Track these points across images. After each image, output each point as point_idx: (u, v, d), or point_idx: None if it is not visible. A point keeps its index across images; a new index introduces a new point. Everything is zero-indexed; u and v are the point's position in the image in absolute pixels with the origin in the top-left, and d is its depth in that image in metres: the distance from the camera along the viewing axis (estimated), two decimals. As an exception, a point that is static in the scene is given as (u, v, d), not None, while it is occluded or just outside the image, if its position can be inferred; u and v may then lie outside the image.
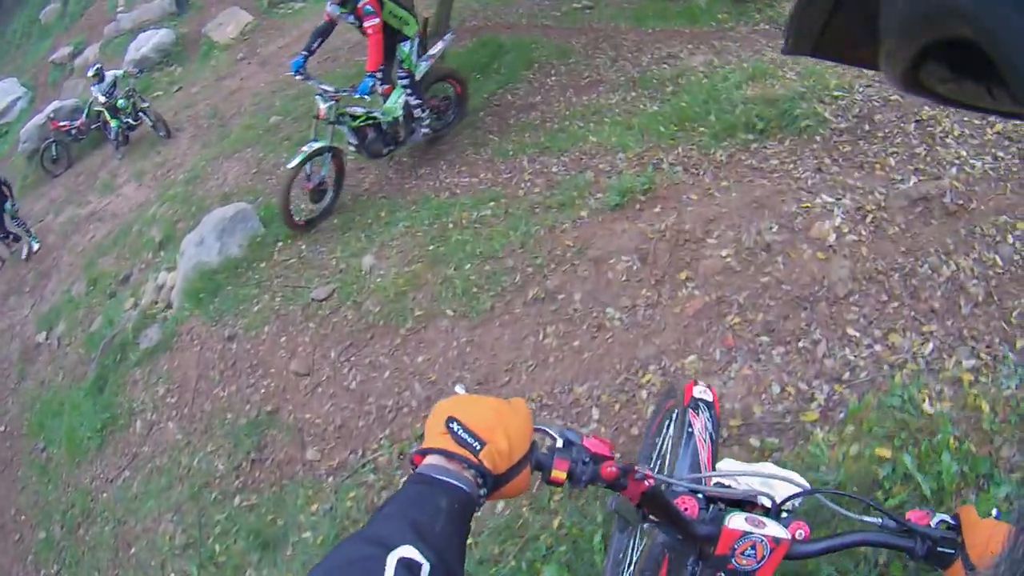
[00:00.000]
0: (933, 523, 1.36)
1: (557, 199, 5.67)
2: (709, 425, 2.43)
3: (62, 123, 14.27)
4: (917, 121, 5.06)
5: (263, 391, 5.50)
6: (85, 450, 6.58)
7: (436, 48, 7.18)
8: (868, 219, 4.33)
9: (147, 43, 16.82)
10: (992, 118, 4.68)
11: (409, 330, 5.14)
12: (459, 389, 1.25)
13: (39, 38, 24.28)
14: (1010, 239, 4.04)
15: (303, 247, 6.82)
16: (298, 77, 6.76)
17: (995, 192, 4.37)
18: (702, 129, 5.76)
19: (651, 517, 1.40)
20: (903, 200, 4.41)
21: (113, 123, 12.81)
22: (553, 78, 7.88)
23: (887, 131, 5.07)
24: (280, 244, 7.01)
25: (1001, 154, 4.68)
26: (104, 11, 20.92)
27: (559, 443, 1.23)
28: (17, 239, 11.69)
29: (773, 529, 1.37)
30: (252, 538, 4.71)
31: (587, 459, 1.21)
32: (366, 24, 6.39)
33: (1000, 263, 3.91)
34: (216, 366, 6.03)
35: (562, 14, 9.92)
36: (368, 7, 6.33)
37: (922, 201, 4.38)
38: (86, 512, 6.17)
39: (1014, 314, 3.62)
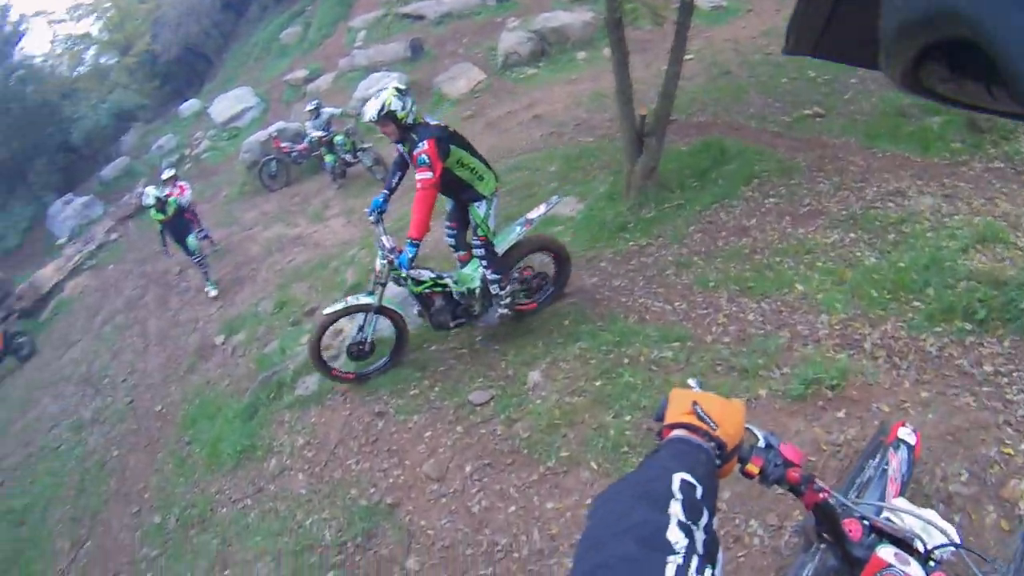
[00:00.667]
0: None
1: (742, 362, 5.25)
2: (904, 466, 2.55)
3: (284, 144, 15.32)
4: None
5: (391, 481, 5.51)
6: (221, 463, 6.90)
7: (534, 213, 6.46)
8: None
9: (377, 84, 17.08)
10: None
11: (549, 469, 4.96)
12: (692, 382, 1.54)
13: (277, 56, 26.56)
14: None
15: (477, 339, 6.78)
16: (370, 219, 6.29)
17: None
18: (917, 304, 5.28)
19: (825, 536, 1.62)
20: None
21: (328, 158, 13.56)
22: (772, 200, 7.48)
23: None
24: (455, 330, 6.87)
25: None
26: (342, 44, 22.48)
27: (760, 443, 1.54)
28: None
29: (916, 571, 1.50)
30: None
31: (779, 462, 1.52)
32: (417, 177, 5.55)
33: None
34: (358, 438, 6.12)
35: (792, 120, 9.54)
36: (424, 156, 5.50)
37: None
38: (202, 518, 6.46)
39: None
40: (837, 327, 5.35)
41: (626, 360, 5.68)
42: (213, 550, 5.99)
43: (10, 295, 18.77)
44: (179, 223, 11.02)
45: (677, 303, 6.36)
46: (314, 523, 5.58)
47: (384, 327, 6.61)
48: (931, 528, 1.70)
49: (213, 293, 11.32)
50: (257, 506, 6.17)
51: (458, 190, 5.99)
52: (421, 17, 20.90)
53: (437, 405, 6.05)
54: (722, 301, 6.13)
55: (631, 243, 7.58)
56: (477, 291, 6.36)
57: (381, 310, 6.30)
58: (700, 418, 1.35)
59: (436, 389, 6.25)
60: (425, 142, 5.50)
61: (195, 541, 6.28)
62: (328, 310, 6.27)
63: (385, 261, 5.99)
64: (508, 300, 6.33)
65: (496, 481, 5.09)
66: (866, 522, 1.71)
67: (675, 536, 0.97)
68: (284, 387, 7.31)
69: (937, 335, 4.92)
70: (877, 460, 2.72)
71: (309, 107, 13.88)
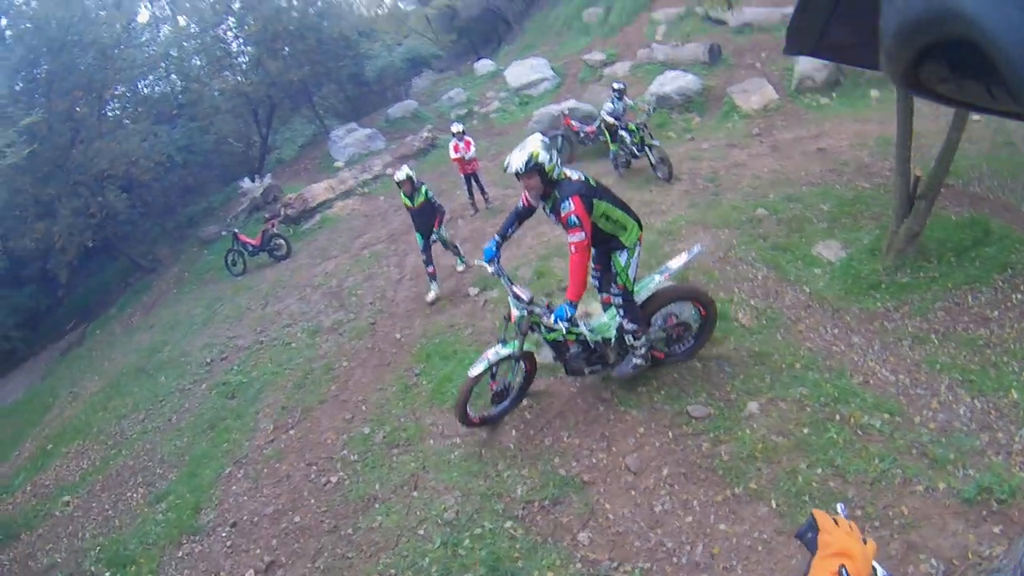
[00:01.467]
0: None
1: (936, 451, 5.30)
2: None
3: (574, 123, 15.78)
4: None
5: (593, 461, 6.05)
6: (443, 400, 7.67)
7: (678, 262, 6.39)
8: None
9: (673, 83, 17.65)
10: None
11: (734, 496, 5.28)
12: (840, 508, 1.75)
13: (578, 34, 27.16)
14: None
15: (714, 357, 6.98)
16: (490, 269, 6.23)
17: None
18: None
19: None
20: None
21: (612, 147, 13.91)
22: (1020, 295, 7.18)
23: None
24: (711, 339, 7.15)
25: None
26: (643, 34, 22.71)
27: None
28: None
29: None
30: (486, 567, 5.39)
31: None
32: (569, 239, 5.53)
33: None
34: (577, 415, 6.65)
35: None
36: (573, 217, 5.47)
37: None
38: (409, 442, 7.26)
39: None
40: None
41: (837, 417, 5.86)
42: (409, 471, 6.79)
43: (278, 200, 20.87)
44: (426, 214, 10.85)
45: (901, 376, 6.40)
46: (511, 476, 6.24)
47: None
48: None
49: (460, 268, 11.64)
50: (464, 447, 6.88)
51: (600, 241, 5.93)
52: (723, 22, 20.64)
53: (657, 407, 6.44)
54: (942, 387, 6.13)
55: (879, 304, 7.56)
56: (612, 340, 6.42)
57: (522, 356, 6.43)
58: None
59: (661, 393, 6.60)
60: (570, 201, 5.49)
61: (395, 459, 7.07)
62: (473, 372, 6.32)
63: (523, 313, 6.08)
64: (644, 351, 6.36)
65: (685, 491, 5.49)
66: None
67: None
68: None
69: None
70: None
71: (616, 86, 14.02)
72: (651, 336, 6.50)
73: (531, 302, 6.06)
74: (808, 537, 1.74)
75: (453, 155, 13.87)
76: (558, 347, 6.29)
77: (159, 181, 23.01)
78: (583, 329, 6.25)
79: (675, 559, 4.97)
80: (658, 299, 6.35)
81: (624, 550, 5.18)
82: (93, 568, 7.68)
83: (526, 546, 5.48)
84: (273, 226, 17.54)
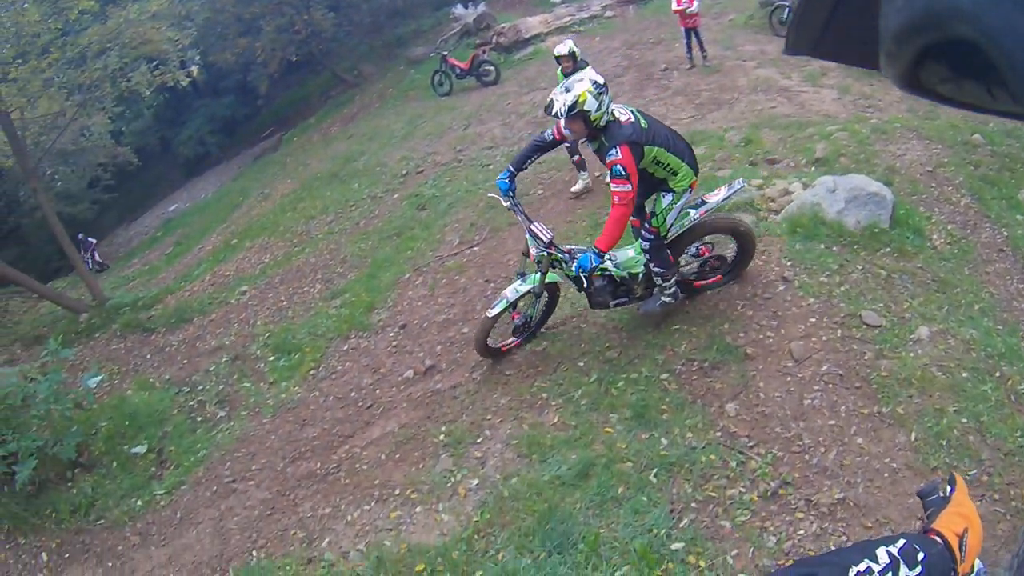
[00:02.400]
0: None
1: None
2: None
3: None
4: None
5: (759, 337, 6.13)
6: None
7: (715, 196, 6.06)
8: None
9: None
10: None
11: (879, 414, 5.32)
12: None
13: None
14: None
15: (899, 271, 6.83)
16: (505, 203, 6.02)
17: None
18: None
19: None
20: None
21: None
22: None
23: None
24: (887, 250, 7.06)
25: None
26: None
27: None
28: None
29: None
30: (632, 412, 5.74)
31: None
32: (613, 188, 5.33)
33: None
34: (756, 291, 6.63)
35: None
36: (619, 167, 5.23)
37: None
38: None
39: None
40: None
41: (998, 373, 5.61)
42: (582, 304, 6.86)
43: (491, 28, 21.07)
44: None
45: None
46: (679, 332, 6.45)
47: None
48: None
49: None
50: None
51: (648, 186, 5.68)
52: None
53: (834, 304, 6.39)
54: None
55: None
56: (640, 275, 6.20)
57: (543, 291, 6.30)
58: (960, 548, 1.59)
59: (842, 289, 6.54)
60: (618, 149, 5.24)
61: (571, 292, 7.05)
62: (491, 312, 6.28)
63: (543, 252, 5.91)
64: (673, 289, 6.17)
65: (836, 393, 5.56)
66: None
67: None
68: None
69: None
70: None
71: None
72: (683, 269, 6.37)
73: (551, 243, 5.88)
74: (931, 499, 1.82)
75: (675, 7, 13.62)
76: (582, 281, 5.93)
77: (368, 2, 23.49)
78: (608, 264, 6.08)
79: (807, 456, 5.07)
80: (693, 234, 6.13)
81: (764, 431, 5.35)
82: (259, 352, 8.61)
83: (676, 401, 5.75)
84: (484, 52, 17.98)
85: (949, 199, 8.22)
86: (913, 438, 5.06)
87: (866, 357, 5.79)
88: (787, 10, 14.88)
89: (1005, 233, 7.66)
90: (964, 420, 5.15)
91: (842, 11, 0.70)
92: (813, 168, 8.83)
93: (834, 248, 7.04)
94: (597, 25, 19.78)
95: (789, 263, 6.90)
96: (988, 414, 5.21)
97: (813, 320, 6.22)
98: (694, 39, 13.86)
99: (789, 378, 5.71)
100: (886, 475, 4.82)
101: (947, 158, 9.09)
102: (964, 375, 5.57)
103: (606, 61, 15.90)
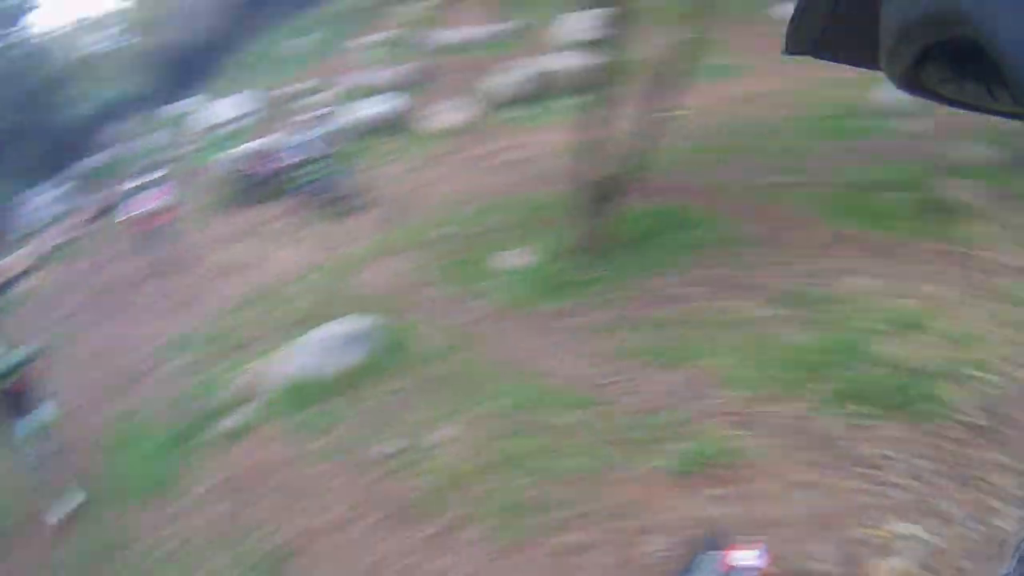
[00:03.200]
0: None
1: (639, 434, 5.42)
2: None
3: (262, 162, 15.31)
4: None
5: (297, 526, 5.65)
6: (137, 495, 6.98)
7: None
8: (943, 565, 3.80)
9: (375, 107, 17.48)
10: None
11: (443, 528, 5.13)
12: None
13: (285, 65, 26.35)
14: None
15: (399, 387, 6.88)
16: None
17: None
18: (823, 386, 5.34)
19: None
20: (994, 547, 3.70)
21: (304, 180, 13.54)
22: (705, 269, 7.56)
23: (1015, 436, 4.47)
24: (381, 375, 7.09)
25: None
26: (350, 61, 22.33)
27: None
28: None
29: None
30: None
31: None
32: None
33: None
34: (272, 479, 6.25)
35: (760, 187, 9.44)
36: None
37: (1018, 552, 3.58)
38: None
39: None
40: (736, 403, 5.53)
41: (536, 421, 5.89)
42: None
43: None
44: None
45: (595, 369, 6.52)
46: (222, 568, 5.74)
47: None
48: None
49: None
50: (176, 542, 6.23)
51: None
52: (423, 45, 20.96)
53: (349, 453, 6.22)
54: (635, 370, 6.31)
55: (565, 304, 7.74)
56: None
57: None
58: None
59: (351, 437, 6.42)
60: None
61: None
62: None
63: None
64: None
65: (393, 534, 5.27)
66: None
67: None
68: (207, 422, 7.46)
69: (837, 418, 5.05)
70: None
71: (314, 114, 14.04)
72: None
73: None
74: None
75: (137, 211, 13.13)
76: None
77: None
78: None
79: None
80: None
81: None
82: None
83: None
84: None
85: (434, 296, 8.63)
86: (490, 526, 4.97)
87: (403, 486, 5.65)
88: (250, 178, 15.25)
89: (498, 299, 8.13)
90: (527, 480, 5.23)
91: (842, 11, 0.66)
92: (293, 331, 8.65)
93: (329, 403, 6.91)
94: (73, 249, 18.51)
95: (293, 440, 6.64)
96: (545, 460, 5.34)
97: (337, 481, 5.96)
98: (164, 239, 13.31)
99: (341, 549, 5.33)
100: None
101: (426, 259, 9.60)
102: (506, 443, 5.68)
103: (79, 286, 14.96)
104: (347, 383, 7.09)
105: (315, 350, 7.37)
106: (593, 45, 8.08)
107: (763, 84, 14.43)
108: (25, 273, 17.79)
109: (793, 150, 10.61)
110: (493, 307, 8.08)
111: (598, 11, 7.92)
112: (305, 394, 7.07)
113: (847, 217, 8.14)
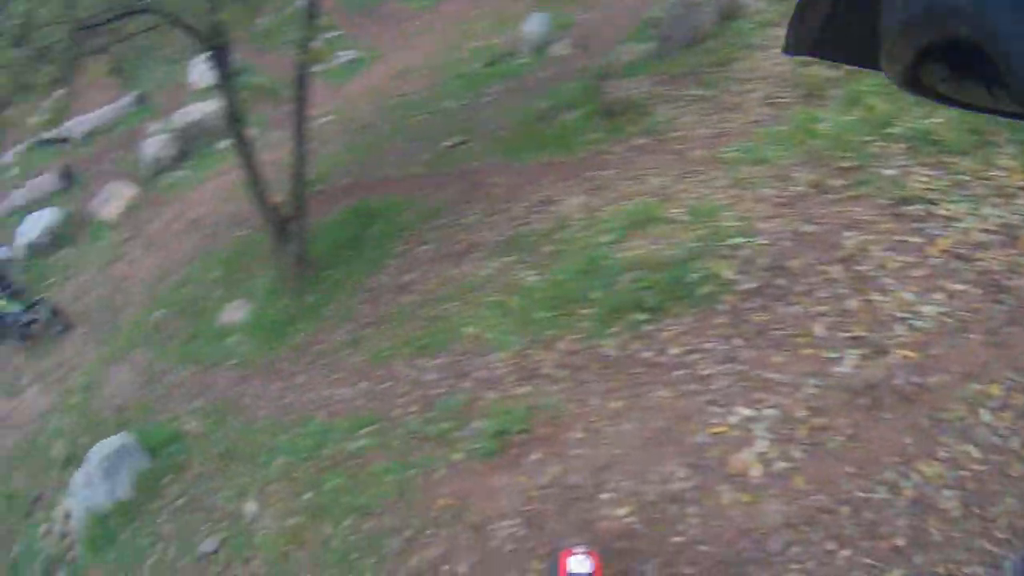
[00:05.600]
0: None
1: (433, 429, 5.33)
2: None
3: None
4: (842, 260, 4.46)
5: None
6: None
7: None
8: (801, 432, 3.70)
9: (36, 225, 15.79)
10: (930, 227, 4.37)
11: None
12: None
13: None
14: (985, 415, 3.40)
15: (191, 483, 6.73)
16: None
17: (957, 348, 3.71)
18: (585, 311, 5.28)
19: None
20: (843, 394, 3.70)
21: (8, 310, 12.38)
22: (424, 247, 7.57)
23: (807, 281, 4.46)
24: (168, 478, 6.91)
25: (955, 286, 3.99)
26: None
27: None
28: None
29: None
30: None
31: None
32: None
33: (976, 454, 3.28)
34: None
35: (433, 157, 9.63)
36: None
37: (868, 390, 3.65)
38: None
39: (999, 523, 3.05)
40: (513, 362, 5.44)
41: (327, 463, 5.80)
42: None
43: None
44: None
45: (360, 384, 6.45)
46: None
47: None
48: None
49: None
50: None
51: None
52: (66, 140, 18.86)
53: (177, 567, 6.07)
54: (400, 368, 6.23)
55: (303, 334, 7.69)
56: None
57: None
58: None
59: (171, 550, 6.25)
60: None
61: None
62: None
63: None
64: None
65: None
66: None
67: None
68: None
69: (614, 336, 4.97)
70: None
71: None
72: None
73: None
74: None
75: None
76: None
77: None
78: None
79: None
80: None
81: None
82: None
83: None
84: None
85: (176, 384, 8.51)
86: None
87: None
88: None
89: (235, 360, 8.12)
90: (348, 522, 5.12)
91: (842, 11, 0.68)
92: (68, 471, 8.17)
93: (134, 526, 6.74)
94: None
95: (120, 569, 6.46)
96: (354, 496, 5.28)
97: None
98: None
99: None
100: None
101: (151, 355, 9.35)
102: (309, 496, 5.62)
103: None
104: (139, 500, 6.88)
105: (95, 480, 7.11)
106: (219, 86, 7.90)
107: (397, 65, 14.60)
108: None
109: (450, 112, 10.86)
110: (236, 371, 7.95)
111: (208, 53, 7.67)
112: (107, 529, 6.81)
113: (531, 153, 8.29)
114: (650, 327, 4.85)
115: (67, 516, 7.62)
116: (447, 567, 4.38)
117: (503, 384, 5.29)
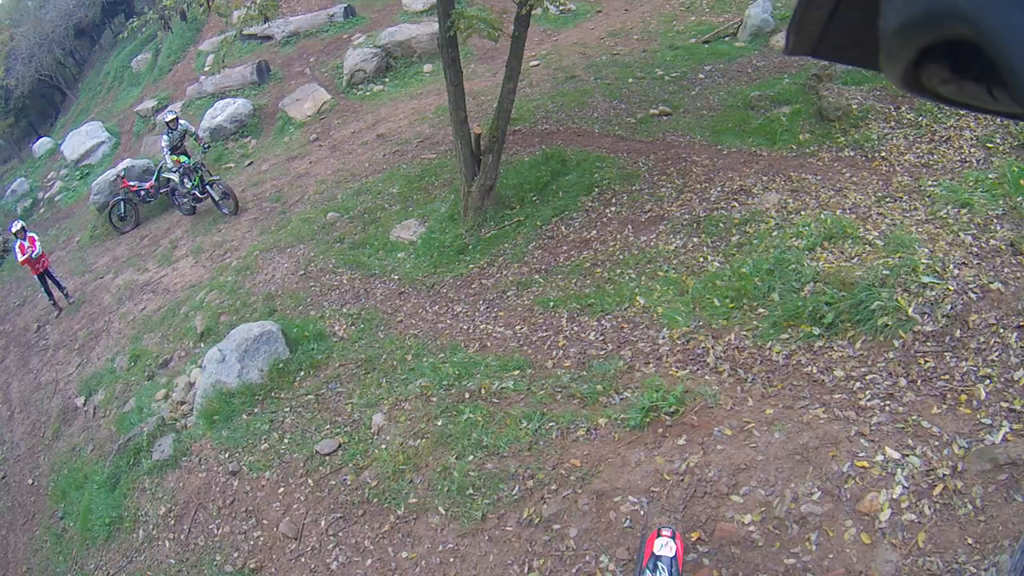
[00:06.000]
0: None
1: (582, 388, 5.12)
2: None
3: (132, 183, 14.36)
4: (1020, 328, 4.19)
5: (252, 543, 5.39)
6: (95, 537, 6.60)
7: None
8: (936, 490, 3.51)
9: (224, 111, 16.54)
10: None
11: (400, 518, 4.86)
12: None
13: (129, 85, 24.74)
14: None
15: (323, 383, 6.53)
16: None
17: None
18: (762, 311, 5.10)
19: None
20: (986, 463, 3.50)
21: (176, 193, 12.97)
22: (613, 208, 7.31)
23: (982, 340, 4.22)
24: (302, 373, 6.75)
25: None
26: (191, 70, 21.15)
27: None
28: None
29: None
30: None
31: None
32: None
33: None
34: (216, 500, 5.94)
35: (637, 121, 9.38)
36: None
37: (1009, 467, 3.44)
38: None
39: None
40: (679, 342, 5.25)
41: (467, 395, 5.57)
42: None
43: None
44: None
45: (518, 327, 6.26)
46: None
47: None
48: None
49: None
50: (134, 586, 5.91)
51: None
52: (268, 38, 19.69)
53: (287, 459, 5.89)
54: (563, 321, 6.05)
55: (472, 266, 7.48)
56: None
57: None
58: None
59: (285, 441, 6.08)
60: None
61: None
62: None
63: None
64: None
65: (351, 534, 5.02)
66: None
67: None
68: (141, 452, 7.02)
69: (784, 343, 4.80)
70: None
71: (167, 117, 12.95)
72: None
73: None
74: None
75: (20, 257, 12.08)
76: None
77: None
78: None
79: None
80: None
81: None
82: None
83: None
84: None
85: (332, 285, 8.25)
86: (443, 511, 4.70)
87: (349, 482, 5.34)
88: (123, 203, 14.37)
89: (396, 277, 7.84)
90: (471, 458, 4.93)
91: (842, 11, 0.65)
92: (203, 345, 8.31)
93: (256, 410, 6.57)
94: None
95: (227, 455, 6.28)
96: (485, 434, 5.04)
97: (282, 490, 5.64)
98: (50, 282, 12.52)
99: (302, 558, 5.05)
100: (451, 560, 4.48)
101: (313, 251, 9.18)
102: (439, 423, 5.39)
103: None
104: (268, 386, 6.77)
105: (231, 357, 6.97)
106: (439, 8, 7.54)
107: (613, 24, 14.28)
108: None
109: (659, 81, 10.50)
110: (398, 284, 7.77)
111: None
112: (229, 404, 6.70)
113: (737, 138, 8.02)
114: (821, 343, 4.67)
115: (190, 386, 7.59)
116: (558, 526, 4.24)
117: (663, 362, 5.14)
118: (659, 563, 2.58)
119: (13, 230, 12.22)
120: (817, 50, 0.70)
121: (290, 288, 8.60)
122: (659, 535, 2.72)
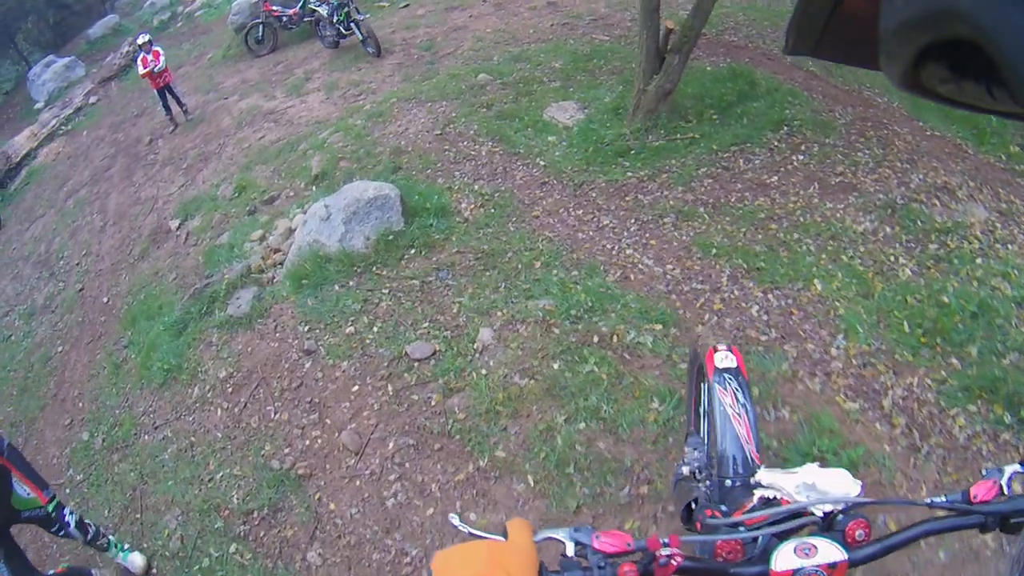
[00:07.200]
0: (1004, 481, 1.25)
1: None
2: (740, 394, 2.27)
3: (275, 7, 13.71)
4: None
5: (307, 443, 4.57)
6: (151, 378, 5.98)
7: None
8: None
9: None
10: None
11: (479, 470, 3.95)
12: (453, 519, 1.34)
13: None
14: None
15: (435, 268, 5.61)
16: None
17: None
18: (955, 362, 3.97)
19: None
20: None
21: (321, 24, 12.24)
22: (801, 156, 6.13)
23: None
24: (412, 252, 5.84)
25: None
26: None
27: (569, 549, 1.23)
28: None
29: (826, 552, 1.22)
30: None
31: (603, 563, 1.18)
32: None
33: None
34: (282, 379, 5.15)
35: (835, 66, 7.94)
36: None
37: None
38: (125, 442, 5.61)
39: None
40: (855, 361, 4.13)
41: (595, 338, 4.53)
42: (130, 485, 5.17)
43: None
44: None
45: (669, 265, 5.15)
46: (224, 478, 4.72)
47: None
48: (819, 479, 1.39)
49: None
50: (175, 440, 5.28)
51: None
52: None
53: (371, 352, 5.00)
54: (723, 278, 4.92)
55: (629, 174, 6.34)
56: None
57: None
58: None
59: (375, 330, 5.18)
60: None
61: (116, 469, 5.44)
62: None
63: None
64: None
65: (418, 469, 4.13)
66: (742, 528, 1.37)
67: None
68: (216, 302, 6.30)
69: (970, 417, 3.71)
70: (708, 404, 2.37)
71: None
72: None
73: None
74: None
75: (141, 70, 11.77)
76: None
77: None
78: None
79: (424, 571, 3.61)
80: None
81: (361, 568, 3.80)
82: None
83: (260, 573, 4.03)
84: None
85: (468, 155, 7.28)
86: (532, 482, 3.77)
87: (433, 403, 4.42)
88: (262, 26, 13.85)
89: (542, 163, 6.82)
90: (582, 425, 3.96)
91: (842, 11, 0.63)
92: (314, 189, 7.56)
93: (351, 284, 5.69)
94: (84, 117, 16.82)
95: (307, 329, 5.45)
96: (607, 401, 4.04)
97: (356, 389, 4.77)
98: (170, 97, 12.16)
99: (358, 481, 4.18)
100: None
101: (455, 111, 8.22)
102: (556, 365, 4.38)
103: (94, 156, 13.54)
104: (370, 259, 5.86)
105: (336, 217, 6.06)
106: None
107: None
108: (41, 144, 16.29)
109: None
110: (542, 172, 6.69)
111: None
112: (323, 270, 5.87)
113: (941, 122, 6.73)
114: (1008, 436, 3.56)
115: (290, 232, 6.79)
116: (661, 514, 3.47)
117: (832, 382, 4.02)
118: (726, 374, 2.34)
119: (139, 41, 11.89)
120: (817, 50, 0.68)
121: (421, 147, 7.64)
122: (716, 350, 2.45)
